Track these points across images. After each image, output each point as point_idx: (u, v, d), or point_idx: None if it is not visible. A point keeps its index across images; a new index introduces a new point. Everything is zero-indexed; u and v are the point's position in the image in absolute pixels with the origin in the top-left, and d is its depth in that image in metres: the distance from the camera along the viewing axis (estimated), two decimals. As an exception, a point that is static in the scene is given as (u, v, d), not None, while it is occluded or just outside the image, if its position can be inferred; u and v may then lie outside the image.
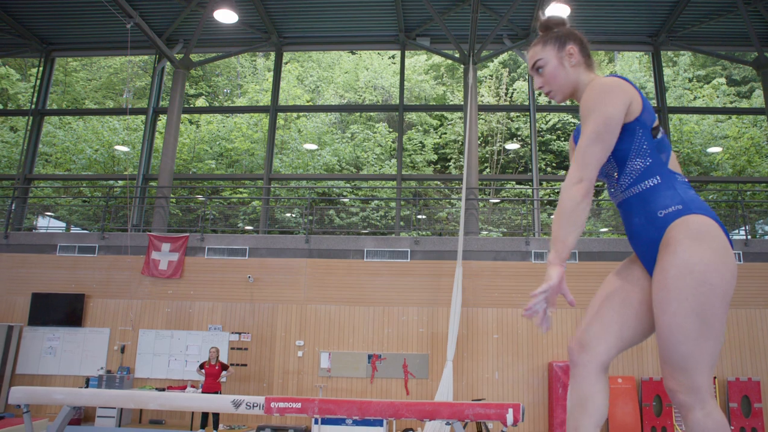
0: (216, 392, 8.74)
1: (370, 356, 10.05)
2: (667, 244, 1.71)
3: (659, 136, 1.84)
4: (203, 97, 21.15)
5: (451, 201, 16.01)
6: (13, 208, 12.74)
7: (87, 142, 17.46)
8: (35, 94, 14.58)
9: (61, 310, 10.80)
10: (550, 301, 1.61)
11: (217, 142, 18.72)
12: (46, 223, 15.59)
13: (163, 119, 14.43)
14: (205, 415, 9.04)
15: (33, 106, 14.56)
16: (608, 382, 1.81)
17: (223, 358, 9.89)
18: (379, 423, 8.78)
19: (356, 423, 8.59)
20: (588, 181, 1.70)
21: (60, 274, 11.12)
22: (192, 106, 19.41)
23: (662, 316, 1.68)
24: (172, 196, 13.47)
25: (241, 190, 16.73)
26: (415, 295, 10.49)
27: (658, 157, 1.82)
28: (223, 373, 9.24)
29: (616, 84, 1.78)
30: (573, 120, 20.40)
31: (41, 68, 14.77)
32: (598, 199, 17.18)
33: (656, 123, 1.85)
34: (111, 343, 10.67)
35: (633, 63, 20.50)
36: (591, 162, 1.71)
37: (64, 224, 16.53)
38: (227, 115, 19.08)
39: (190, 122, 18.93)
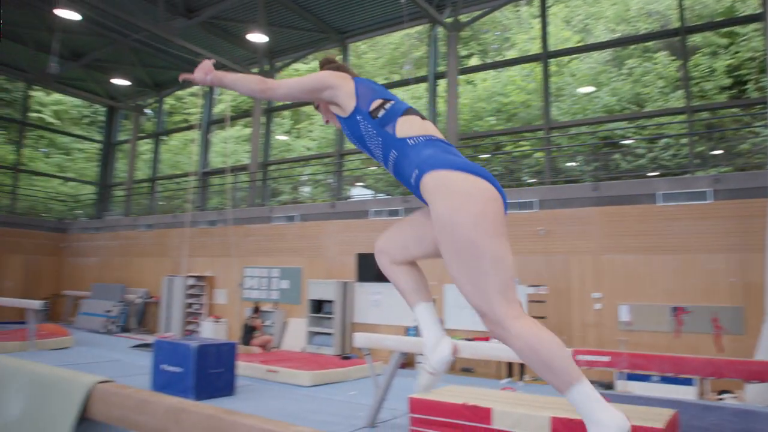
0: (521, 343, 9.09)
1: (673, 309, 9.19)
2: (425, 197, 1.83)
3: (380, 114, 1.95)
4: (475, 56, 21.37)
5: (754, 129, 13.85)
6: (334, 181, 14.69)
7: (381, 115, 19.08)
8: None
9: (379, 268, 12.16)
10: None
11: (494, 98, 18.86)
12: (358, 193, 17.61)
13: (442, 84, 15.02)
14: (509, 366, 9.50)
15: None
16: (405, 268, 2.10)
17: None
18: (689, 382, 8.01)
19: (664, 380, 8.01)
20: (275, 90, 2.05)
21: (375, 236, 12.31)
22: (466, 66, 19.80)
23: (449, 268, 1.78)
24: (459, 156, 14.04)
25: (522, 143, 16.69)
26: (720, 240, 9.32)
27: (384, 133, 1.93)
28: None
29: (326, 73, 2.07)
30: None
31: (341, 56, 16.58)
32: None
33: (375, 104, 1.97)
34: (423, 296, 11.65)
35: None
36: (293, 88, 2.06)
37: (371, 192, 18.46)
38: (499, 70, 19.03)
39: (467, 82, 19.36)
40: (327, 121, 2.22)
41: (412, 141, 1.90)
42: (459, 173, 1.77)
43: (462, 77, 16.71)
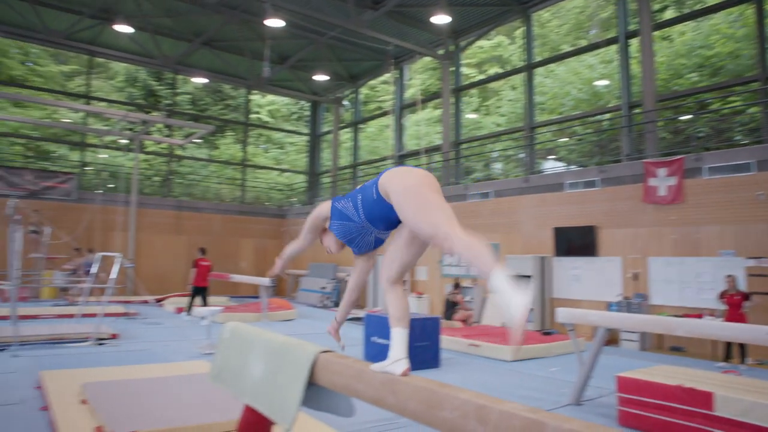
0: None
1: None
2: (385, 194, 2.29)
3: (345, 195, 2.56)
4: (670, 8, 19.15)
5: None
6: (526, 156, 14.27)
7: (571, 84, 18.04)
8: (524, 52, 16.01)
9: (577, 242, 11.52)
10: None
11: (695, 53, 16.78)
12: (550, 166, 16.91)
13: (634, 44, 13.76)
14: (728, 346, 8.41)
15: (524, 63, 15.96)
16: (397, 296, 2.41)
17: (741, 286, 8.72)
18: None
19: None
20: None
21: (571, 209, 11.86)
22: (660, 21, 17.84)
23: (406, 217, 2.21)
24: (658, 119, 12.80)
25: (732, 98, 14.64)
26: None
27: (351, 195, 2.50)
28: (745, 303, 8.17)
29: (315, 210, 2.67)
30: None
31: (524, 28, 16.03)
32: None
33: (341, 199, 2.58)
34: (624, 270, 10.79)
35: None
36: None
37: (564, 164, 17.60)
38: (700, 20, 16.84)
39: (662, 39, 17.45)
40: (328, 248, 2.69)
41: (368, 183, 2.46)
42: (401, 166, 2.35)
43: (656, 33, 15.11)
